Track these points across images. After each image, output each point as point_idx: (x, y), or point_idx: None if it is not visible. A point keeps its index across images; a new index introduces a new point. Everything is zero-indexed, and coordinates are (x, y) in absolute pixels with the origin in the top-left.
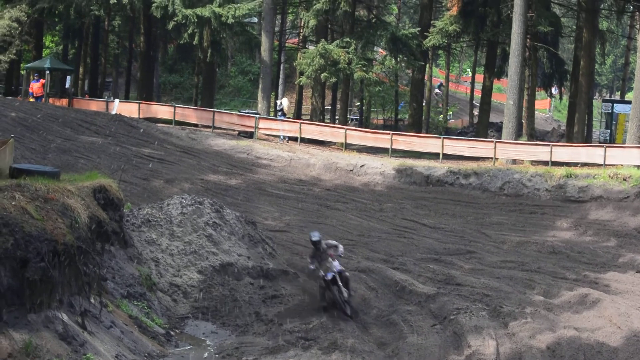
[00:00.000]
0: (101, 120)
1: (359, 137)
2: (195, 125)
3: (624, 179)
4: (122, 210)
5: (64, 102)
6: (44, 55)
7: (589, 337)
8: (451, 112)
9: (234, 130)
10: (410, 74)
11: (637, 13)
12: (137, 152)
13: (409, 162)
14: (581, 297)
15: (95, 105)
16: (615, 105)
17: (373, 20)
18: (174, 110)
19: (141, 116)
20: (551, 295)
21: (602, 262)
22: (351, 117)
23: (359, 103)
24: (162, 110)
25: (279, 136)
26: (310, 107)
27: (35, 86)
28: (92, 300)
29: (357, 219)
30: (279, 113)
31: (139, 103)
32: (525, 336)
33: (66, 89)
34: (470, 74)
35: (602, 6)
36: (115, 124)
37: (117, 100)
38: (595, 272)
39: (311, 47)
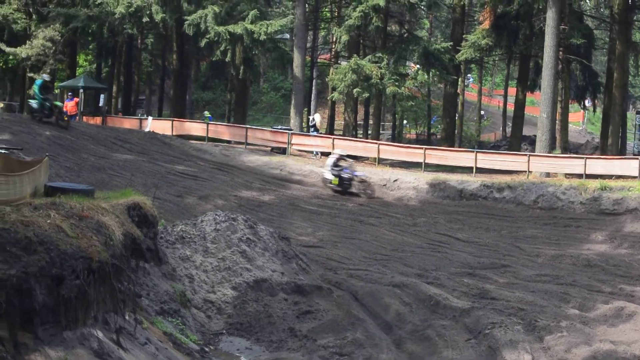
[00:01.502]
0: (134, 137)
1: (391, 151)
2: (228, 141)
3: None
4: (157, 227)
5: (98, 120)
6: (77, 74)
7: (625, 350)
8: (487, 124)
9: (267, 147)
10: (443, 88)
11: None
12: (171, 169)
13: (442, 176)
14: (617, 310)
15: (128, 123)
16: None
17: (405, 35)
18: (207, 127)
19: (174, 133)
20: (587, 309)
21: (638, 275)
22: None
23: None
24: (195, 127)
25: (311, 152)
26: (342, 122)
27: (69, 105)
28: (127, 317)
29: (390, 233)
30: (312, 129)
31: (172, 120)
32: (560, 350)
33: (100, 107)
34: (503, 87)
35: (635, 18)
36: (149, 141)
37: (150, 118)
38: (631, 285)
39: (343, 63)
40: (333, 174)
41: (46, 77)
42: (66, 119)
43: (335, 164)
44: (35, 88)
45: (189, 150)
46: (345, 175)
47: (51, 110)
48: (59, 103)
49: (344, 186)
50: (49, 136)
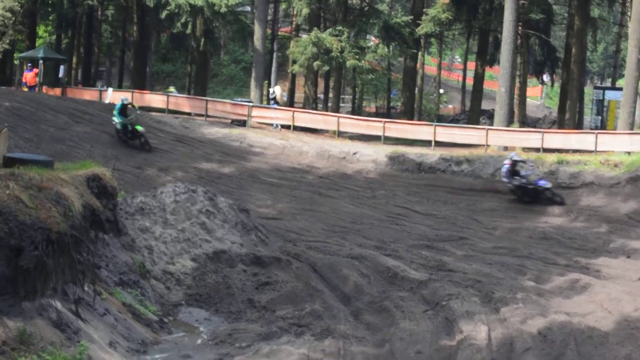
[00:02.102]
0: (94, 109)
1: (351, 124)
2: (189, 113)
3: (615, 165)
4: (116, 199)
5: (58, 91)
6: (37, 45)
7: (580, 322)
8: (445, 99)
9: (227, 119)
10: (403, 62)
11: (629, 0)
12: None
13: (402, 149)
14: (572, 283)
15: (88, 95)
16: (606, 92)
17: (366, 9)
18: (167, 98)
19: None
20: (542, 281)
21: (593, 248)
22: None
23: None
24: (155, 99)
25: (272, 124)
26: (303, 95)
27: (29, 76)
28: (86, 288)
29: (349, 206)
30: (272, 101)
31: (132, 92)
32: (516, 321)
33: (60, 78)
34: (463, 61)
35: None
36: (109, 112)
37: (110, 89)
38: (586, 258)
39: (304, 36)
40: (512, 185)
41: (125, 99)
42: (25, 89)
43: (513, 172)
44: (114, 112)
45: (149, 122)
46: (528, 185)
47: (133, 134)
48: (140, 127)
49: (530, 196)
50: (8, 107)
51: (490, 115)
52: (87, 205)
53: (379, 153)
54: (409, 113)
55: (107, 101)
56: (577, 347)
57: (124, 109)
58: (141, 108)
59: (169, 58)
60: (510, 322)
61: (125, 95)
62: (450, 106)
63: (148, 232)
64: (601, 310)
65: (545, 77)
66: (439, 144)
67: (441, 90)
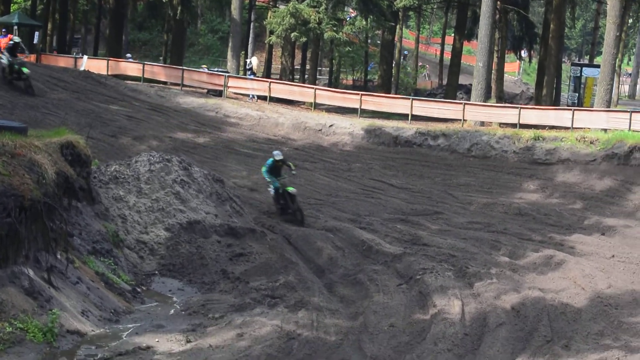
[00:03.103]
0: (69, 76)
1: (328, 97)
2: (164, 83)
3: (591, 142)
4: (90, 167)
5: (32, 58)
6: (12, 10)
7: (553, 298)
8: (424, 71)
9: (203, 89)
10: (381, 35)
11: None
12: (105, 109)
13: (378, 122)
14: (546, 259)
15: (63, 62)
16: (584, 69)
17: None
18: (143, 67)
19: (109, 73)
20: (517, 257)
21: (568, 224)
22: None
23: None
24: (131, 68)
25: (248, 95)
26: (279, 66)
27: (3, 41)
28: (59, 256)
29: (325, 178)
30: (249, 72)
31: (108, 60)
32: (490, 296)
33: (34, 45)
34: (441, 35)
35: None
36: (84, 80)
37: (85, 57)
38: (561, 234)
39: (281, 6)
40: None
41: (277, 153)
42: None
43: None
44: (263, 169)
45: (124, 90)
46: None
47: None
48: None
49: None
50: None
51: (467, 90)
52: (60, 173)
53: (355, 126)
54: (386, 86)
55: (82, 68)
56: (550, 322)
57: (274, 167)
58: (116, 76)
59: (145, 26)
60: (484, 297)
61: (98, 63)
62: (427, 80)
63: (122, 201)
64: (575, 286)
65: (523, 53)
66: (415, 117)
67: (420, 63)
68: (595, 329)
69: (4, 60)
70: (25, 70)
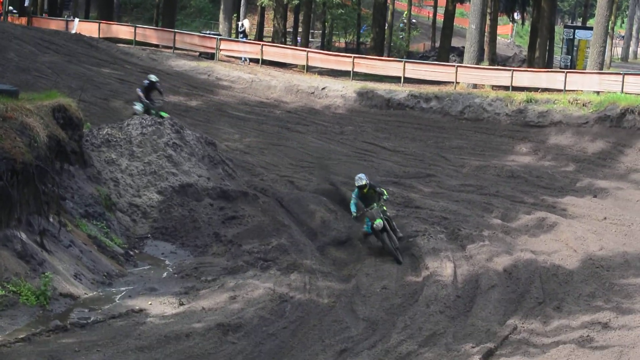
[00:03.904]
0: (60, 39)
1: (320, 59)
2: (156, 45)
3: (584, 105)
4: (82, 130)
5: (23, 20)
6: None
7: (545, 260)
8: (416, 33)
9: (195, 52)
10: None
11: None
12: (97, 72)
13: (371, 85)
14: (538, 221)
15: (54, 25)
16: (576, 31)
17: None
18: (135, 30)
19: (101, 36)
20: (509, 219)
21: (560, 187)
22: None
23: None
24: (123, 30)
25: (240, 58)
26: (272, 29)
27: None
28: (51, 220)
29: (317, 141)
30: (241, 35)
31: (99, 23)
32: (482, 259)
33: (25, 7)
34: None
35: None
36: (75, 43)
37: (77, 20)
38: (553, 197)
39: None
40: None
41: (360, 177)
42: None
43: None
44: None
45: (116, 53)
46: None
47: None
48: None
49: None
50: None
51: (460, 53)
52: (52, 136)
53: (347, 88)
54: (379, 49)
55: (73, 31)
56: (542, 284)
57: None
58: (108, 39)
59: None
60: (476, 259)
61: (90, 26)
62: (419, 43)
63: (114, 165)
64: (567, 248)
65: (516, 15)
66: (408, 80)
67: (413, 20)
68: (587, 290)
69: (138, 107)
70: (164, 114)
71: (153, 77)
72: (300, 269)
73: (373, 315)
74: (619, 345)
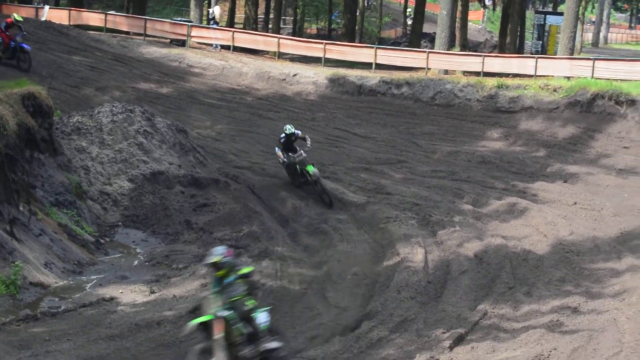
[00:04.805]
0: (30, 26)
1: (292, 46)
2: (127, 33)
3: (555, 90)
4: (52, 118)
5: None
6: None
7: (515, 245)
8: (387, 19)
9: (166, 39)
10: None
11: None
12: (68, 60)
13: (342, 71)
14: (509, 206)
15: (24, 12)
16: (547, 16)
17: None
18: (105, 17)
19: (71, 23)
20: (480, 204)
21: (531, 172)
22: None
23: None
24: (93, 18)
25: (211, 45)
26: (243, 15)
27: None
28: (21, 208)
29: None
30: (211, 21)
31: (69, 10)
32: (453, 244)
33: None
34: None
35: None
36: (45, 30)
37: (46, 7)
38: (524, 182)
39: None
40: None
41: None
42: None
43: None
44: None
45: (87, 40)
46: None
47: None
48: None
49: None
50: None
51: (431, 39)
52: (22, 124)
53: (319, 75)
54: (350, 35)
55: (43, 18)
56: (512, 269)
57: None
58: (78, 26)
59: None
60: (447, 245)
61: (60, 13)
62: (390, 29)
63: (84, 153)
64: (537, 233)
65: (487, 1)
66: (379, 66)
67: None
68: (557, 275)
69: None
70: (311, 170)
71: (290, 128)
72: (272, 255)
73: (344, 301)
74: (588, 330)
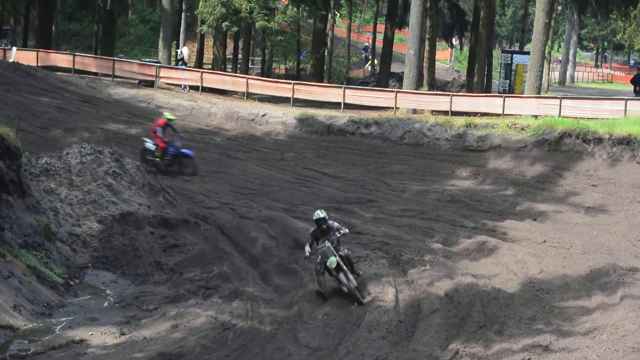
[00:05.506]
0: None
1: (260, 86)
2: (95, 74)
3: (522, 129)
4: (20, 160)
5: None
6: None
7: (486, 283)
8: (356, 59)
9: (135, 79)
10: (312, 24)
11: None
12: (36, 101)
13: (311, 111)
14: (479, 245)
15: None
16: (514, 56)
17: None
18: (73, 58)
19: (39, 64)
20: (450, 243)
21: (500, 210)
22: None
23: None
24: (61, 59)
25: (180, 85)
26: (211, 56)
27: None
28: None
29: (258, 168)
30: (180, 62)
31: (37, 51)
32: (423, 283)
33: None
34: (373, 23)
35: None
36: (13, 72)
37: (14, 48)
38: (493, 220)
39: None
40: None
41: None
42: None
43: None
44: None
45: (55, 82)
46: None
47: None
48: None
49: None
50: None
51: (399, 78)
52: None
53: (288, 115)
54: (319, 75)
55: (11, 60)
56: (483, 308)
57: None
58: (46, 68)
59: (75, 17)
60: (417, 284)
61: (28, 55)
62: (358, 69)
63: (53, 194)
64: (507, 272)
65: (454, 41)
66: (348, 106)
67: (367, 45)
68: (528, 313)
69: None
70: (329, 261)
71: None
72: (242, 296)
73: (315, 341)
74: None
